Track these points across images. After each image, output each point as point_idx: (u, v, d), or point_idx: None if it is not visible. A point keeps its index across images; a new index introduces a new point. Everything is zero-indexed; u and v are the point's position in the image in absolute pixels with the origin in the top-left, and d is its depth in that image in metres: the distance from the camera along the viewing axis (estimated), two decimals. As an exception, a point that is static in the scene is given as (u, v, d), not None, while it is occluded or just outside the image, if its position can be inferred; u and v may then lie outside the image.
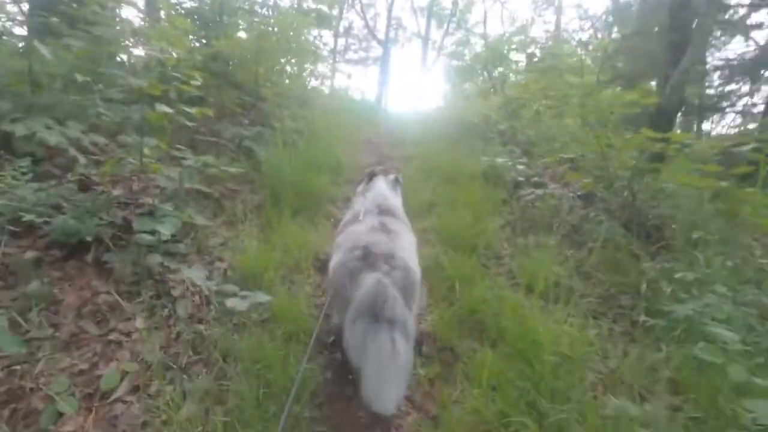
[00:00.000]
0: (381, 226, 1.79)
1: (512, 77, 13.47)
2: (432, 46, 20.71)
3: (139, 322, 1.88)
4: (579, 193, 4.38)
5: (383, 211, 1.98)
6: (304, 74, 8.61)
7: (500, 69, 14.19)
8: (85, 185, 2.43)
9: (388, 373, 1.30)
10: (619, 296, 2.60)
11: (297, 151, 3.85)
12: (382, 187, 2.26)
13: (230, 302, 1.77)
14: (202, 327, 1.93)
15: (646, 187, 3.75)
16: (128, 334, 1.82)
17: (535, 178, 4.38)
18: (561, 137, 5.77)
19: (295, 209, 3.20)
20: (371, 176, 2.39)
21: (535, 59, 9.33)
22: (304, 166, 3.58)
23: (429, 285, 2.63)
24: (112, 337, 1.79)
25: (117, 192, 2.52)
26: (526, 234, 3.41)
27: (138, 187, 2.58)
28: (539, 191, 3.65)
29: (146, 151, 2.40)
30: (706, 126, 8.96)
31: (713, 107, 7.65)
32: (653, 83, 6.09)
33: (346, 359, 1.49)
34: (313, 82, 11.44)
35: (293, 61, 5.72)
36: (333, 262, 1.69)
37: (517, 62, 13.73)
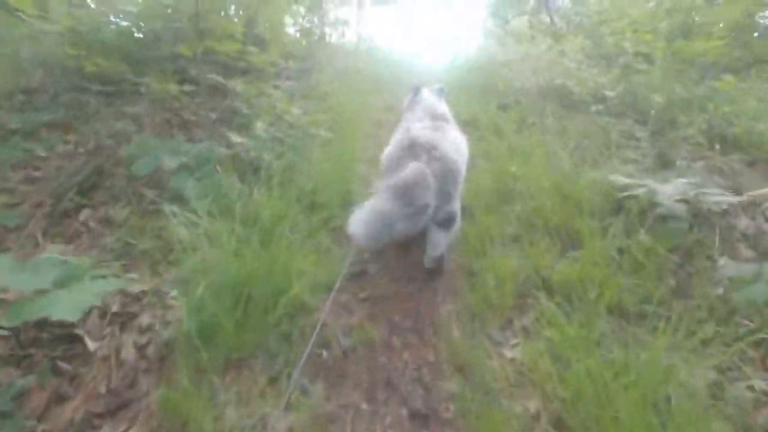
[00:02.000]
0: (432, 126, 2.00)
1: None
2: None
3: None
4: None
5: (435, 117, 2.14)
6: (312, 26, 6.57)
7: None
8: None
9: (373, 216, 1.58)
10: None
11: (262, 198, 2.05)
12: (428, 97, 2.36)
13: None
14: None
15: None
16: None
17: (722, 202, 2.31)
18: (711, 102, 3.47)
19: (238, 359, 1.47)
20: (416, 89, 2.44)
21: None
22: (266, 239, 1.78)
23: None
24: None
25: None
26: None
27: None
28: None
29: None
30: None
31: None
32: None
33: None
34: (334, 35, 9.16)
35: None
36: (385, 153, 1.97)
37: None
